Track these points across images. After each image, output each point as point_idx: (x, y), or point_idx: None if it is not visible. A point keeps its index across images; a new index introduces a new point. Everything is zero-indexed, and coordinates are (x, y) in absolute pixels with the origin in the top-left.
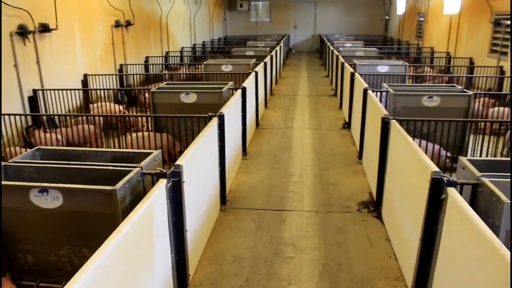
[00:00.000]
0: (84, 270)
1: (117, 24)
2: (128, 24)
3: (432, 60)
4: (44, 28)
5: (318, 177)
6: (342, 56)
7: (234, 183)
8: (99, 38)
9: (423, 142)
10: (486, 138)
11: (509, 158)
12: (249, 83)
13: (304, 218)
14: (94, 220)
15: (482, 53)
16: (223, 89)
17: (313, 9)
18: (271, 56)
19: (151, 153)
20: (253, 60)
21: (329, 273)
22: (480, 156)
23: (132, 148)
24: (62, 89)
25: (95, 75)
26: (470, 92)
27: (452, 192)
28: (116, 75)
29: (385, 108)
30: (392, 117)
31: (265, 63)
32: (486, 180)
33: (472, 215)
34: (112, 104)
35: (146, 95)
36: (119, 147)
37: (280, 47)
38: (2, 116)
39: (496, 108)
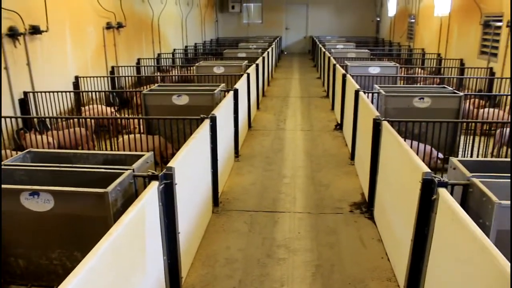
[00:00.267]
0: (76, 273)
1: (109, 26)
2: (120, 26)
3: (423, 62)
4: (35, 30)
5: (310, 178)
6: (334, 58)
7: (227, 185)
8: (90, 40)
9: (415, 143)
10: (477, 138)
11: (499, 159)
12: (241, 85)
13: (296, 219)
14: (85, 222)
15: (472, 54)
16: (215, 91)
17: (304, 11)
18: (263, 58)
19: (143, 155)
20: (245, 62)
21: (322, 274)
22: (471, 156)
23: (124, 150)
24: (53, 91)
25: (86, 77)
26: (461, 93)
27: (443, 192)
28: (107, 77)
29: (377, 109)
30: (383, 118)
31: (257, 65)
32: (476, 181)
33: (463, 215)
34: (103, 106)
35: (136, 96)
36: (111, 150)
37: (272, 48)
38: None
39: (486, 109)
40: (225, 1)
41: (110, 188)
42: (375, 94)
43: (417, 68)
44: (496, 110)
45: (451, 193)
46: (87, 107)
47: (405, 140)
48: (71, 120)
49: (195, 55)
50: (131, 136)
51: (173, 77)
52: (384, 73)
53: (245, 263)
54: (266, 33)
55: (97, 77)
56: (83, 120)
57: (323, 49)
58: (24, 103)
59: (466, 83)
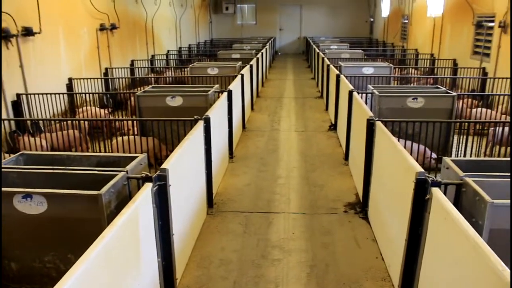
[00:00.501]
0: (69, 276)
1: (102, 28)
2: (113, 27)
3: (416, 62)
4: (28, 32)
5: (304, 179)
6: (328, 58)
7: (221, 186)
8: (84, 41)
9: (408, 143)
10: (470, 138)
11: (492, 158)
12: (235, 86)
13: (291, 220)
14: (79, 225)
15: (465, 54)
16: (209, 92)
17: (298, 12)
18: (257, 59)
19: (136, 157)
20: (239, 63)
21: (316, 275)
22: (464, 156)
23: (118, 152)
24: (46, 93)
25: (80, 79)
26: (454, 93)
27: (436, 192)
28: (101, 78)
29: (371, 110)
30: (377, 119)
31: (251, 66)
32: (469, 180)
33: (456, 214)
34: (97, 108)
35: (132, 98)
36: (105, 152)
37: (266, 49)
38: None
39: (479, 109)
40: (219, 2)
41: (103, 190)
42: (369, 95)
43: (410, 69)
44: (489, 110)
45: (445, 193)
46: (80, 110)
47: (398, 140)
48: (65, 122)
49: (189, 56)
50: (125, 138)
51: (167, 78)
52: (378, 73)
53: (240, 264)
54: (260, 34)
55: (90, 78)
56: (77, 122)
57: (317, 50)
58: (17, 105)
59: (459, 83)
